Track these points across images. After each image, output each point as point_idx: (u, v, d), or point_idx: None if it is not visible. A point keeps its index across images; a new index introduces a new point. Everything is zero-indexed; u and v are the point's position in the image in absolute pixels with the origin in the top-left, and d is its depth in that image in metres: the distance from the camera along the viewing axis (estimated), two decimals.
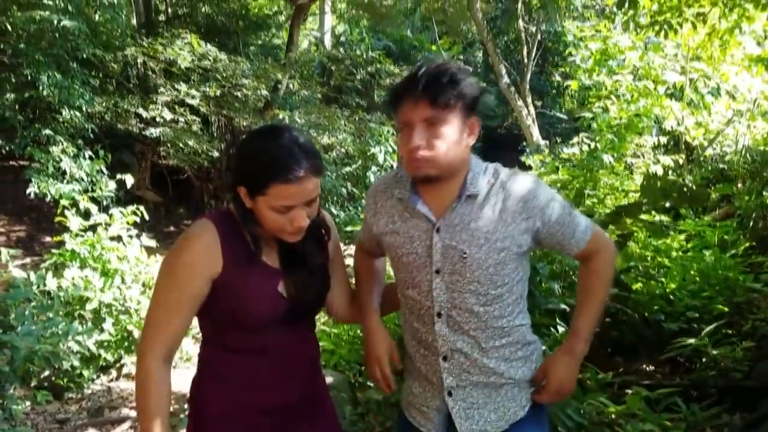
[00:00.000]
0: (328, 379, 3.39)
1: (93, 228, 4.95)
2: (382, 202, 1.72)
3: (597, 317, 1.74)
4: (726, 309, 3.51)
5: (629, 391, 2.86)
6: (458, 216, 1.59)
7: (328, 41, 15.90)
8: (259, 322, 1.60)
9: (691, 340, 3.13)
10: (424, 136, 1.51)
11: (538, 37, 14.71)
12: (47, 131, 7.92)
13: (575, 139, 7.21)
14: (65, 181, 7.45)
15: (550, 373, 1.70)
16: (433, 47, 15.99)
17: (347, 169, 10.14)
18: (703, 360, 3.29)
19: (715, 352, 3.11)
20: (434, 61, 1.56)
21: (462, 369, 1.65)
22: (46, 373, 4.30)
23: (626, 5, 4.56)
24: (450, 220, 1.59)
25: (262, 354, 1.63)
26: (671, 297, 3.74)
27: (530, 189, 1.61)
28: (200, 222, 1.61)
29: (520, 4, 14.33)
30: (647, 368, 3.49)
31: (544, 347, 2.37)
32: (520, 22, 14.82)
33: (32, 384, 4.26)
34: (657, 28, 4.68)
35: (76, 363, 4.16)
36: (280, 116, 9.99)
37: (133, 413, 4.10)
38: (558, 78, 14.03)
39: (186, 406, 1.68)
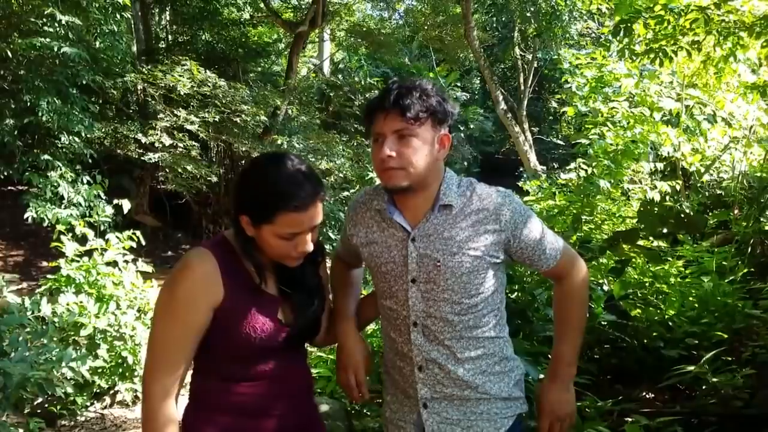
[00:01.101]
0: (324, 407, 3.35)
1: (89, 253, 4.93)
2: (361, 213, 1.77)
3: (578, 340, 1.75)
4: (725, 335, 3.48)
5: (629, 420, 2.82)
6: (432, 226, 1.64)
7: (326, 68, 16.05)
8: (258, 350, 1.57)
9: (691, 367, 3.10)
10: (395, 147, 1.56)
11: (535, 64, 14.89)
12: (46, 156, 7.94)
13: (572, 165, 7.24)
14: (63, 206, 7.45)
15: (541, 400, 1.75)
16: (431, 74, 16.14)
17: (345, 193, 10.19)
18: (703, 387, 3.26)
19: (715, 379, 3.07)
20: (409, 78, 1.65)
21: (436, 380, 1.67)
22: (40, 400, 4.25)
23: (621, 33, 4.62)
24: (425, 229, 1.64)
25: (257, 382, 1.60)
26: (670, 323, 3.72)
27: (503, 203, 1.65)
28: (197, 250, 1.57)
29: (516, 33, 14.52)
30: (647, 396, 3.45)
31: (541, 375, 2.36)
32: (517, 50, 15.00)
33: (25, 411, 4.20)
34: (652, 55, 4.72)
35: (70, 390, 4.11)
36: (279, 141, 10.04)
37: None
38: (554, 105, 14.15)
39: None
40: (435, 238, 1.62)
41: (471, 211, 1.64)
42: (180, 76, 9.23)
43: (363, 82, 12.64)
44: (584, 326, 1.78)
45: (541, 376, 2.51)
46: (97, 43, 9.19)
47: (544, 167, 12.49)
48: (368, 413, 3.39)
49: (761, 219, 4.96)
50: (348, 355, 1.77)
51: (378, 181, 1.68)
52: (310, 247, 1.56)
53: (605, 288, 3.70)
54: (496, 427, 1.68)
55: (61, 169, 7.86)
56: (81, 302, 4.51)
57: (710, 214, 5.57)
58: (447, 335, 1.64)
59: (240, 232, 1.56)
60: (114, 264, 4.94)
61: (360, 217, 1.77)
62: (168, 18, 12.46)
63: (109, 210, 6.65)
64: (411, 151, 1.56)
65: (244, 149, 10.11)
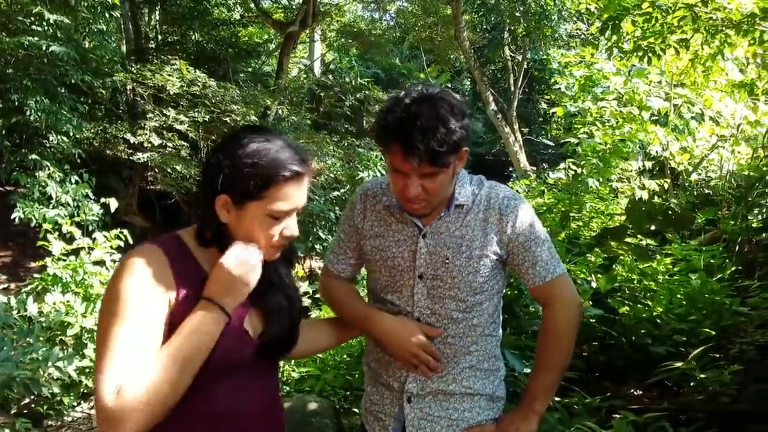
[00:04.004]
0: (313, 405, 3.34)
1: (76, 252, 4.90)
2: (371, 206, 1.73)
3: (549, 379, 1.67)
4: (713, 333, 3.49)
5: (617, 416, 2.82)
6: (444, 224, 1.64)
7: (317, 69, 16.04)
8: (218, 371, 1.32)
9: (679, 364, 3.10)
10: (420, 184, 1.50)
11: (525, 65, 14.92)
12: (34, 156, 7.89)
13: (561, 165, 7.26)
14: (51, 206, 7.40)
15: (499, 420, 1.70)
16: (422, 75, 16.17)
17: (336, 193, 10.15)
18: (691, 384, 3.26)
19: (702, 375, 3.08)
20: (425, 104, 1.48)
21: (427, 376, 1.65)
22: (26, 400, 4.21)
23: (609, 30, 4.64)
24: (437, 227, 1.64)
25: (217, 417, 1.34)
26: (658, 321, 3.73)
27: (509, 202, 1.64)
28: (143, 247, 1.33)
29: (506, 33, 14.55)
30: (635, 392, 3.45)
31: (527, 370, 2.35)
32: (507, 51, 15.03)
33: (12, 411, 4.17)
34: (640, 53, 4.74)
35: (57, 390, 4.07)
36: None
37: None
38: (544, 106, 14.20)
39: None
40: (446, 235, 1.62)
41: (479, 209, 1.64)
42: (169, 75, 9.20)
43: (354, 83, 12.61)
44: (560, 369, 1.67)
45: (527, 370, 2.52)
46: (86, 43, 9.15)
47: (534, 168, 12.54)
48: (356, 411, 3.37)
49: (749, 217, 4.99)
50: (409, 331, 1.62)
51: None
52: (297, 231, 1.39)
53: (593, 285, 3.70)
54: (477, 423, 1.67)
55: (49, 169, 7.82)
56: (68, 301, 4.48)
57: (698, 212, 5.59)
58: (450, 332, 1.64)
59: (210, 220, 1.35)
60: (101, 263, 4.91)
61: (369, 209, 1.73)
62: (158, 17, 12.41)
63: (97, 209, 6.60)
64: (437, 187, 1.52)
65: None
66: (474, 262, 1.60)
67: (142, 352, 1.21)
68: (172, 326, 1.27)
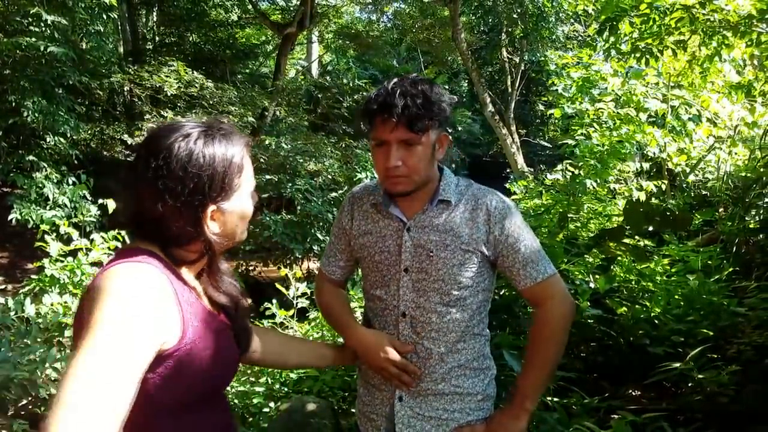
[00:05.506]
0: (311, 406, 3.33)
1: (74, 253, 4.88)
2: (358, 207, 1.79)
3: (539, 377, 1.68)
4: (711, 333, 3.49)
5: (615, 416, 2.83)
6: (428, 218, 1.66)
7: (315, 70, 16.06)
8: (210, 393, 1.30)
9: (677, 365, 3.11)
10: (400, 156, 1.57)
11: (522, 67, 14.95)
12: (31, 157, 7.89)
13: (559, 167, 7.27)
14: (48, 207, 7.39)
15: (489, 420, 1.71)
16: None
17: (333, 194, 10.15)
18: (689, 384, 3.27)
19: (700, 376, 3.09)
20: (407, 79, 1.59)
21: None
22: (24, 401, 4.20)
23: (607, 31, 4.65)
24: (420, 221, 1.67)
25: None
26: (656, 321, 3.73)
27: (496, 204, 1.67)
28: (136, 266, 1.16)
29: (503, 35, 14.58)
30: (633, 393, 3.46)
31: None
32: (504, 53, 15.07)
33: (9, 413, 4.15)
34: (638, 54, 4.76)
35: (54, 391, 4.06)
36: (267, 142, 10.03)
37: None
38: (541, 107, 14.23)
39: None
40: (430, 229, 1.65)
41: (466, 208, 1.66)
42: (167, 76, 9.21)
43: (351, 84, 12.64)
44: (551, 368, 1.69)
45: None
46: (84, 44, 9.15)
47: (532, 169, 12.56)
48: (353, 411, 3.37)
49: (746, 218, 5.00)
50: (377, 346, 1.68)
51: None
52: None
53: (591, 285, 3.71)
54: (467, 422, 1.68)
55: (46, 170, 7.81)
56: (65, 302, 4.46)
57: (696, 213, 5.60)
58: (434, 326, 1.65)
59: (193, 237, 1.25)
60: (99, 264, 4.89)
61: (357, 210, 1.78)
62: (155, 19, 12.43)
63: (95, 210, 6.59)
64: (416, 159, 1.58)
65: None
66: (459, 254, 1.62)
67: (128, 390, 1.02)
68: (173, 356, 1.16)
